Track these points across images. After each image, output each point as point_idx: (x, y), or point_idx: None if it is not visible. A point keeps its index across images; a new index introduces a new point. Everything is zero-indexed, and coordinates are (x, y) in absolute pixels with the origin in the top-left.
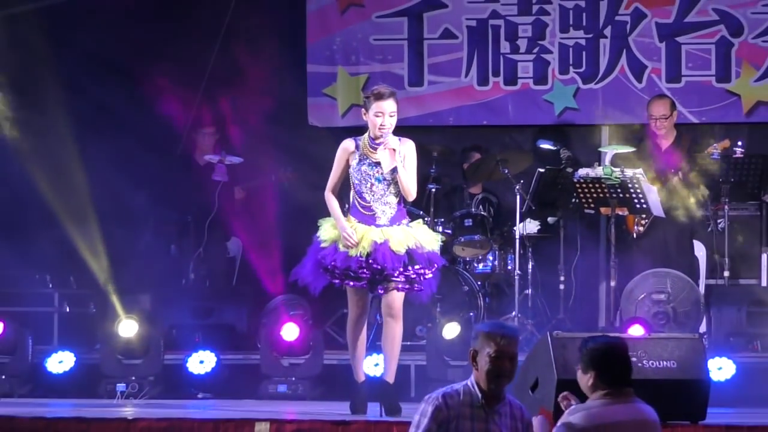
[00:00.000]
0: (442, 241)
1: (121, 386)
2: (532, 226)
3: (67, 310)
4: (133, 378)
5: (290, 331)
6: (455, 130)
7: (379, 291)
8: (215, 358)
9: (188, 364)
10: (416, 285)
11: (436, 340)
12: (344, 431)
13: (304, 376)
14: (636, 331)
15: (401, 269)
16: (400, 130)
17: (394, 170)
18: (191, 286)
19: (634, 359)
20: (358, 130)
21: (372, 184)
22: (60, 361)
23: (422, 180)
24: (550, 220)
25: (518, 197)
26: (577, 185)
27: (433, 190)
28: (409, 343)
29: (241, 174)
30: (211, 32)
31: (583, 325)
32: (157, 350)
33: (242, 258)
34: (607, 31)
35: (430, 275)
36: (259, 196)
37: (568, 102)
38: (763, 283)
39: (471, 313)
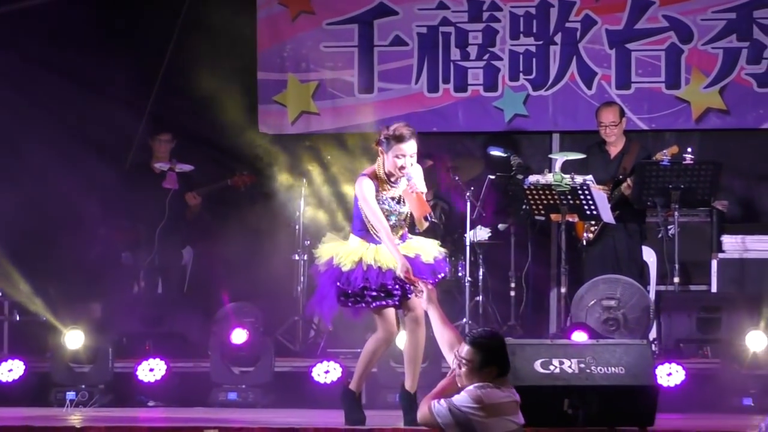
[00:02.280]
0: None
1: (70, 394)
2: (482, 233)
3: (18, 318)
4: (83, 386)
5: (239, 337)
6: None
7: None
8: (165, 366)
9: (138, 372)
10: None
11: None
12: None
13: (254, 384)
14: (578, 337)
15: (432, 280)
16: (349, 137)
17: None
18: (142, 294)
19: (582, 365)
20: (308, 138)
21: (389, 219)
22: (9, 370)
23: None
24: (500, 226)
25: (469, 204)
26: (528, 192)
27: None
28: (358, 350)
29: (195, 181)
30: (162, 40)
31: (534, 331)
32: (107, 358)
33: (194, 266)
34: (558, 38)
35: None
36: (213, 202)
37: (518, 109)
38: (714, 289)
39: None
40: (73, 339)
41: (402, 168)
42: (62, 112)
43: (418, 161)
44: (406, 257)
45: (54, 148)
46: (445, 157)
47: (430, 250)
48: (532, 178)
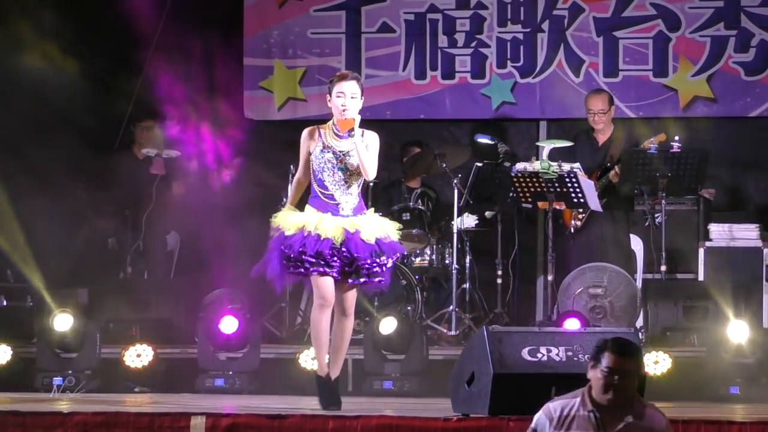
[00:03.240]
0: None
1: (57, 380)
2: (469, 221)
3: (4, 303)
4: (70, 372)
5: (229, 325)
6: (393, 124)
7: (349, 282)
8: (152, 352)
9: (125, 358)
10: (378, 278)
11: (373, 335)
12: (280, 425)
13: (241, 370)
14: (571, 324)
15: (369, 260)
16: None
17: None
18: (129, 280)
19: (569, 353)
20: (294, 124)
21: (335, 173)
22: None
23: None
24: (487, 214)
25: (456, 191)
26: (515, 179)
27: (371, 184)
28: None
29: (180, 167)
30: (147, 25)
31: (521, 319)
32: (93, 344)
33: (180, 251)
34: (545, 26)
35: (391, 263)
36: (199, 188)
37: (505, 96)
38: (701, 278)
39: (408, 307)
40: (60, 323)
41: (343, 107)
42: (45, 93)
43: (406, 148)
44: (346, 230)
45: (37, 131)
46: (432, 144)
47: (375, 229)
48: (520, 166)
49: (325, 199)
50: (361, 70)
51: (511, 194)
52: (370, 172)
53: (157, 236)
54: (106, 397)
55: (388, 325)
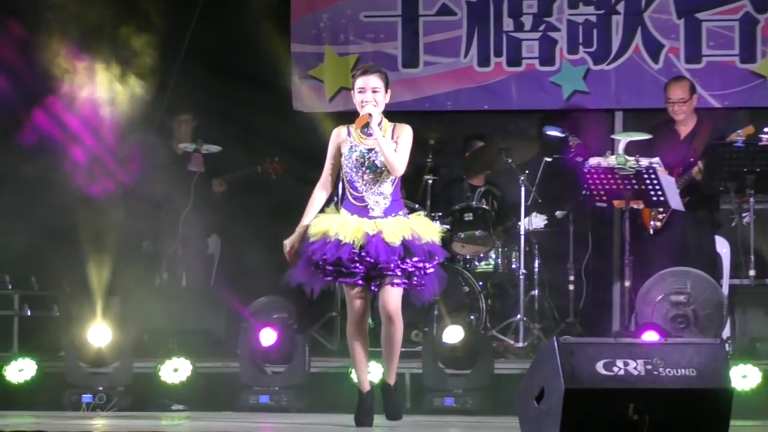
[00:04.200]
0: (443, 237)
1: (87, 397)
2: (538, 221)
3: (29, 313)
4: (101, 388)
5: (267, 337)
6: (454, 115)
7: (372, 287)
8: (191, 366)
9: (161, 373)
10: (415, 279)
11: (433, 346)
12: None
13: (288, 386)
14: (650, 337)
15: (397, 262)
16: (392, 116)
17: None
18: (165, 287)
19: (649, 367)
20: (348, 116)
21: (364, 173)
22: (20, 370)
23: (418, 171)
24: (558, 214)
25: (523, 189)
26: (588, 176)
27: (430, 181)
28: (403, 349)
29: (221, 165)
30: (186, 10)
31: (595, 329)
32: (126, 357)
33: (221, 256)
34: (620, 7)
35: (431, 269)
36: (241, 188)
37: (577, 85)
38: None
39: (471, 317)
40: (91, 335)
41: (364, 103)
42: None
43: (468, 142)
44: (367, 233)
45: (64, 126)
46: (497, 137)
47: (404, 229)
48: (593, 161)
49: (355, 202)
50: (418, 57)
51: (583, 192)
52: (397, 166)
53: (196, 239)
54: (140, 415)
55: (450, 336)
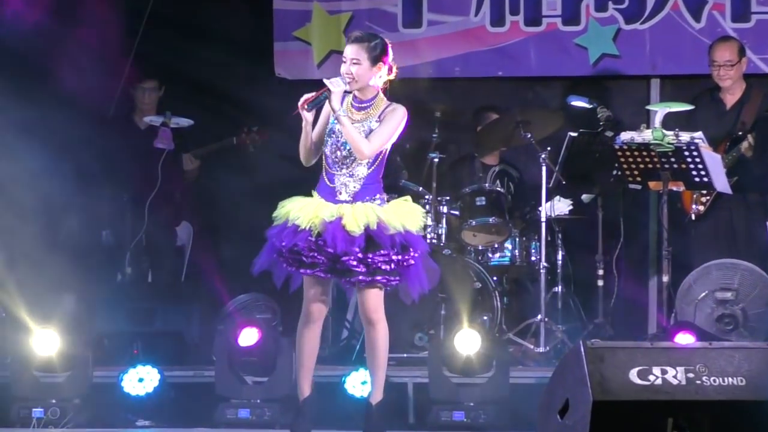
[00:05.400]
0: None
1: (38, 411)
2: (562, 206)
3: None
4: (54, 401)
5: (248, 338)
6: (463, 83)
7: (343, 284)
8: (159, 376)
9: (124, 383)
10: (381, 276)
11: (440, 351)
12: None
13: (271, 398)
14: (684, 340)
15: (357, 254)
16: (390, 83)
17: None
18: (128, 284)
19: (690, 375)
20: None
21: (338, 149)
22: None
23: (422, 148)
24: (584, 198)
25: (544, 169)
26: (620, 153)
27: (436, 160)
28: (406, 355)
29: (191, 140)
30: None
31: (628, 331)
32: (83, 365)
33: (193, 247)
34: None
35: (412, 261)
36: (216, 168)
37: (606, 47)
38: None
39: (484, 317)
40: (41, 341)
41: (346, 75)
42: (20, 52)
43: (480, 114)
44: (324, 219)
45: (11, 98)
46: (514, 109)
47: (368, 216)
48: (625, 136)
49: (328, 182)
50: (421, 15)
51: (614, 172)
52: (362, 149)
53: (164, 228)
54: None
55: (459, 340)
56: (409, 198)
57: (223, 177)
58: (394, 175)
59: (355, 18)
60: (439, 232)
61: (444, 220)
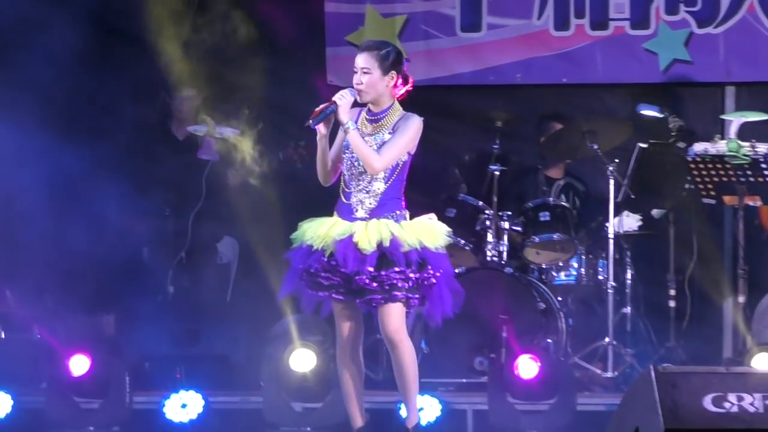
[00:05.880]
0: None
1: None
2: (631, 222)
3: (2, 335)
4: (91, 427)
5: (302, 362)
6: (525, 91)
7: (360, 305)
8: (203, 401)
9: (166, 410)
10: (398, 292)
11: (501, 377)
12: None
13: (323, 425)
14: (761, 364)
15: (369, 272)
16: (449, 91)
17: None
18: (170, 304)
19: None
20: None
21: (353, 165)
22: None
23: (482, 159)
24: (655, 213)
25: (612, 182)
26: (692, 166)
27: (497, 172)
28: (464, 380)
29: (240, 151)
30: None
31: (702, 355)
32: (122, 390)
33: (239, 264)
34: None
35: (433, 280)
36: (261, 180)
37: (677, 52)
38: None
39: (549, 339)
40: (77, 364)
41: (357, 85)
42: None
43: (543, 124)
44: (335, 238)
45: (46, 109)
46: (579, 118)
47: (383, 233)
48: (698, 147)
49: (344, 199)
50: (481, 18)
51: (687, 185)
52: (370, 162)
53: (209, 244)
54: None
55: (523, 364)
56: (433, 215)
57: (271, 190)
58: (452, 188)
59: (410, 21)
60: (501, 250)
61: (505, 237)
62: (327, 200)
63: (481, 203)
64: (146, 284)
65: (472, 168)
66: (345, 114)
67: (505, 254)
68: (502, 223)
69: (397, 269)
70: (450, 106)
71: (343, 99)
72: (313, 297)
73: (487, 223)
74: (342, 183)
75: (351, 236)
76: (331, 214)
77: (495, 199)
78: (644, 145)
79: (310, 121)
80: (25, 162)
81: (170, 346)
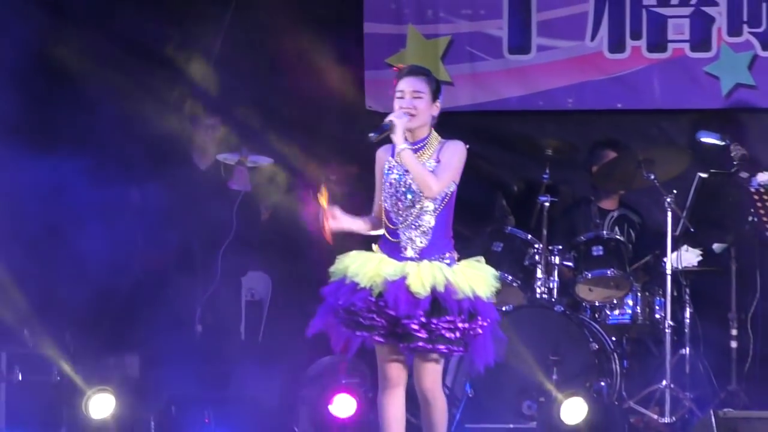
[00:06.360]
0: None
1: None
2: (690, 257)
3: (20, 378)
4: None
5: (344, 407)
6: (577, 117)
7: (402, 350)
8: None
9: None
10: (443, 344)
11: (551, 423)
12: None
13: None
14: None
15: (421, 318)
16: (497, 116)
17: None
18: (198, 343)
19: None
20: (441, 118)
21: (399, 200)
22: None
23: (531, 190)
24: (716, 247)
25: (670, 214)
26: (756, 197)
27: (547, 204)
28: (512, 425)
29: (273, 180)
30: None
31: (766, 399)
32: None
33: (272, 301)
34: None
35: (479, 331)
36: (292, 213)
37: (741, 76)
38: None
39: (602, 382)
40: (99, 406)
41: (401, 111)
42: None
43: (597, 153)
44: (387, 278)
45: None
46: (635, 146)
47: (436, 277)
48: (762, 177)
49: (390, 238)
50: (530, 40)
51: (750, 218)
52: (428, 184)
53: (239, 279)
54: None
55: (573, 409)
56: (481, 258)
57: (307, 221)
58: (499, 221)
59: (454, 42)
60: (551, 286)
61: (555, 273)
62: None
63: (529, 237)
64: (173, 321)
65: (520, 199)
66: (400, 135)
67: (555, 291)
68: (552, 257)
69: (448, 318)
70: (497, 133)
71: (401, 119)
72: (346, 336)
73: (537, 257)
74: (385, 221)
75: (403, 278)
76: (366, 247)
77: (545, 232)
78: (704, 175)
79: (372, 135)
80: (42, 196)
81: (198, 388)
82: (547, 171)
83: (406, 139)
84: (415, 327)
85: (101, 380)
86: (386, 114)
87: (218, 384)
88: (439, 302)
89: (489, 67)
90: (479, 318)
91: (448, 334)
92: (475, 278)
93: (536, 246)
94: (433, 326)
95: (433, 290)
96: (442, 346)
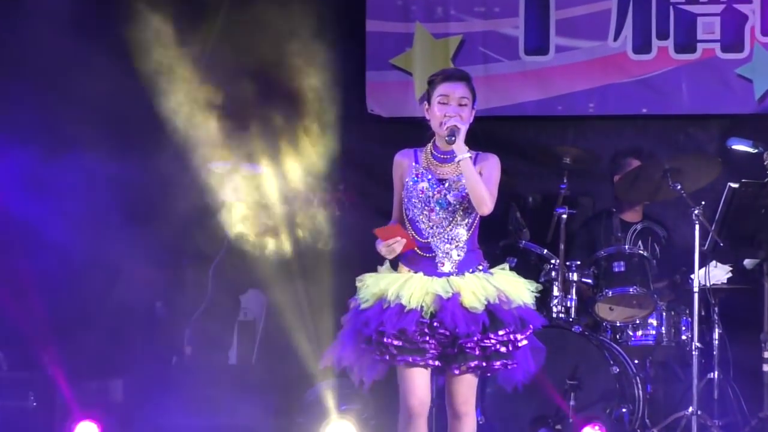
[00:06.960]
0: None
1: None
2: (719, 273)
3: None
4: None
5: None
6: (599, 123)
7: (454, 371)
8: None
9: None
10: (497, 361)
11: None
12: None
13: None
14: None
15: (479, 336)
16: (509, 123)
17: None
18: (187, 366)
19: None
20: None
21: (431, 211)
22: None
23: (548, 201)
24: (747, 263)
25: (698, 228)
26: None
27: (564, 216)
28: None
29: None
30: None
31: None
32: None
33: (266, 321)
34: None
35: (525, 342)
36: (296, 224)
37: None
38: None
39: (623, 409)
40: None
41: (446, 119)
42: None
43: (619, 161)
44: (439, 296)
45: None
46: (661, 154)
47: (487, 290)
48: None
49: (420, 252)
50: (548, 40)
51: None
52: (487, 202)
53: (231, 298)
54: None
55: None
56: (506, 266)
57: (304, 237)
58: (513, 234)
59: (466, 42)
60: (568, 305)
61: (573, 290)
62: (370, 249)
63: (546, 251)
64: (159, 344)
65: (536, 211)
66: (463, 142)
67: (573, 310)
68: (570, 274)
69: (501, 332)
70: (511, 140)
71: (464, 125)
72: (378, 365)
73: (553, 274)
74: (412, 231)
75: (456, 294)
76: (371, 266)
77: (562, 246)
78: (735, 185)
79: (450, 138)
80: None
81: (187, 415)
82: (565, 181)
83: (437, 148)
84: (471, 345)
85: (82, 406)
86: (390, 119)
87: (208, 410)
88: (495, 315)
89: (504, 69)
90: (530, 326)
91: (502, 349)
92: (518, 285)
93: (553, 261)
94: (488, 343)
95: (488, 303)
96: (497, 363)
